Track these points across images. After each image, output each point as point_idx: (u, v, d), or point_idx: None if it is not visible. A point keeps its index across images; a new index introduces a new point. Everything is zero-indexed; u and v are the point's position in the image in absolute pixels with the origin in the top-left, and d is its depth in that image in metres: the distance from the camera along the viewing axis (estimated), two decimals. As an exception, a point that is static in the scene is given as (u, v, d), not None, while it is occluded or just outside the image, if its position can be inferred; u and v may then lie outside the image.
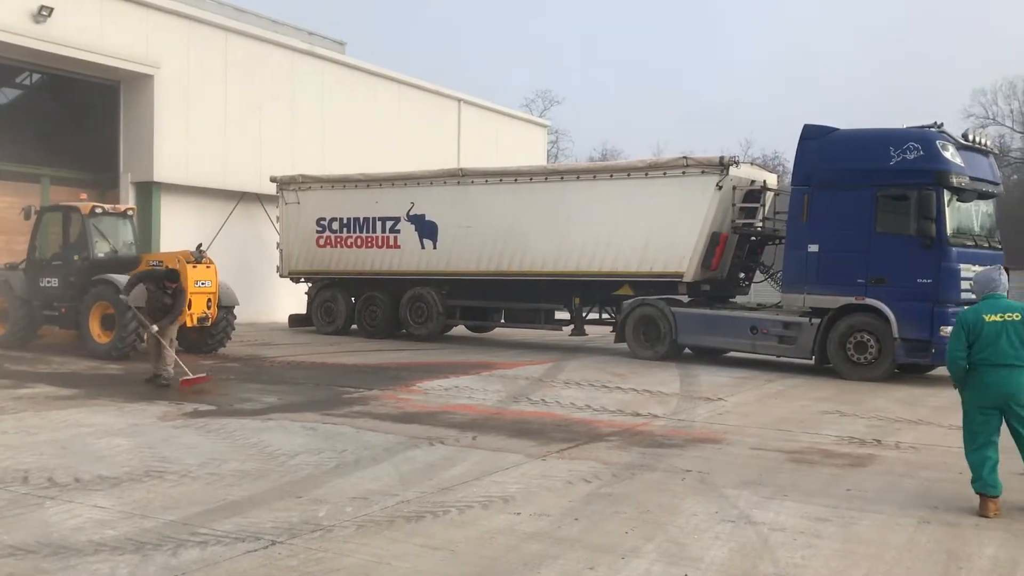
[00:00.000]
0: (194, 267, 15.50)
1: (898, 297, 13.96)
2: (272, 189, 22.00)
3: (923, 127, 14.31)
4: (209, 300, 15.68)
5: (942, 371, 15.36)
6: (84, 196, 17.42)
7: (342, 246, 20.76)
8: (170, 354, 12.55)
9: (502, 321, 20.21)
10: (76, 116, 22.74)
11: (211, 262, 15.90)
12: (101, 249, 16.20)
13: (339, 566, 5.20)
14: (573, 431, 9.60)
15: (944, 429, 10.18)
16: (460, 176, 19.46)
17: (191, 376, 12.22)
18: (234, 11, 25.59)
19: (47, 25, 19.44)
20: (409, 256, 19.79)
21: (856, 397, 12.50)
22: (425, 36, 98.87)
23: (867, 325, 14.27)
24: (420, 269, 19.70)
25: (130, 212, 17.06)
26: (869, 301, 14.21)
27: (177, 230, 21.75)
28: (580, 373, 14.38)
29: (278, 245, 21.81)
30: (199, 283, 15.52)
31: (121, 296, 13.31)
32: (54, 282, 16.15)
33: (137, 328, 15.26)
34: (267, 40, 24.99)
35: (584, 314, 18.57)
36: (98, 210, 16.23)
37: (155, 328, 12.49)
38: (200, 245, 16.23)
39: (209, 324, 15.95)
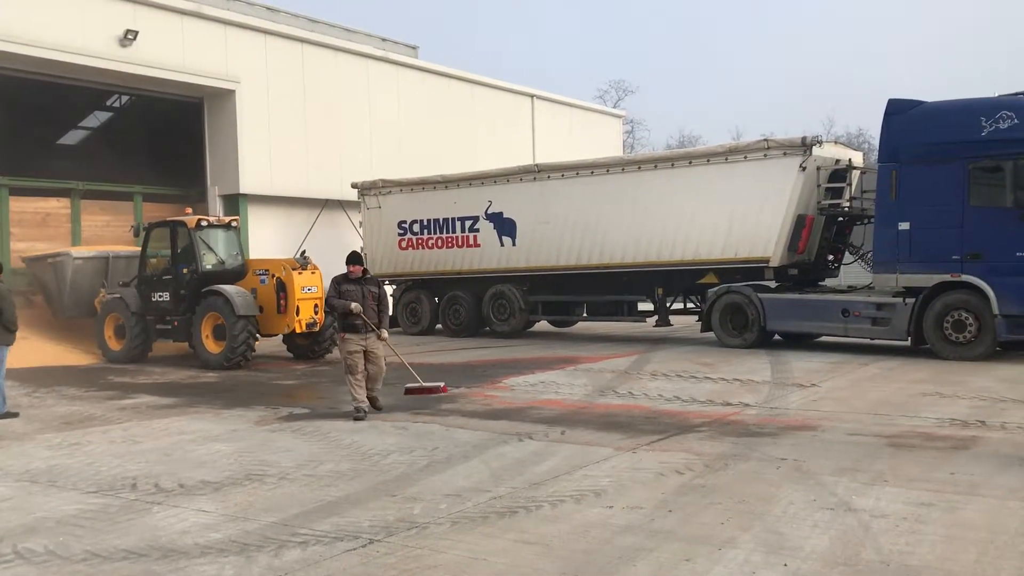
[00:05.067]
0: (299, 274, 15.81)
1: (996, 272, 13.46)
2: (353, 195, 22.40)
3: (1016, 94, 13.76)
4: (316, 306, 15.92)
5: (1048, 347, 14.75)
6: (189, 210, 17.76)
7: (423, 247, 21.00)
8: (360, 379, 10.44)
9: (585, 315, 20.16)
10: (163, 134, 23.55)
11: (316, 268, 16.13)
12: (208, 261, 16.46)
13: (436, 563, 5.26)
14: (662, 423, 9.51)
15: (1053, 408, 9.75)
16: (536, 172, 19.47)
17: (423, 384, 11.15)
18: (308, 22, 26.16)
19: (133, 48, 20.16)
20: (489, 254, 19.91)
21: (956, 378, 12.06)
22: (495, 35, 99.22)
23: (964, 303, 13.77)
24: (500, 267, 19.79)
25: (234, 224, 17.35)
26: (965, 278, 13.73)
27: (265, 239, 22.34)
28: (667, 364, 14.23)
29: (362, 249, 22.15)
30: (305, 289, 15.82)
31: (353, 306, 10.37)
32: (165, 296, 16.54)
33: (249, 339, 15.46)
34: (342, 49, 25.46)
35: (668, 304, 18.35)
36: (204, 223, 16.55)
37: (386, 334, 10.72)
38: (304, 251, 16.50)
39: (317, 330, 16.23)
